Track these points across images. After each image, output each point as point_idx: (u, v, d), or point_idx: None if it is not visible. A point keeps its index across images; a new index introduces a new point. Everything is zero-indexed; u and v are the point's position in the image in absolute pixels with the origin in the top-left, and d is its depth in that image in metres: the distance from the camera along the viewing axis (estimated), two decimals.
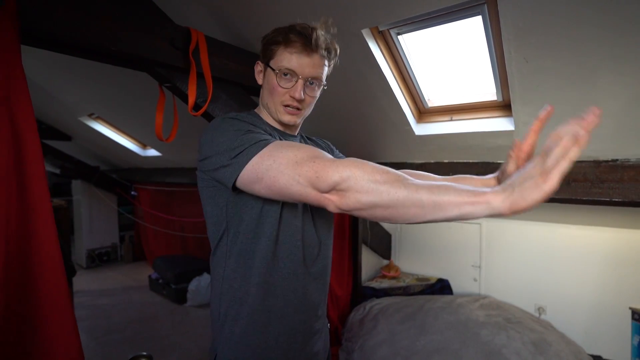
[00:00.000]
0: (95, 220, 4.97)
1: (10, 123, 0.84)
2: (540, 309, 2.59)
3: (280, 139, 0.85)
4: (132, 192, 4.95)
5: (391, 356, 1.95)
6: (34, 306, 0.83)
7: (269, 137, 0.75)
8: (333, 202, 0.63)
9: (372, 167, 0.61)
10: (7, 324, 0.78)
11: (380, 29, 1.44)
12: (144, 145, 3.96)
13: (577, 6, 1.07)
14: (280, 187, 0.66)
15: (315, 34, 0.80)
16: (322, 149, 1.05)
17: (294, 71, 0.81)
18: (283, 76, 0.82)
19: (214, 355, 0.87)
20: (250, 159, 0.69)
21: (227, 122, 0.77)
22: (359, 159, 0.64)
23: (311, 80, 0.84)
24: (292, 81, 0.82)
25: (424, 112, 1.89)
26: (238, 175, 0.70)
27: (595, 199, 1.65)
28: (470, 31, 1.42)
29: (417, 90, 1.75)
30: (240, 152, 0.70)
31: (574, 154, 0.48)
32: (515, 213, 0.51)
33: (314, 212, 0.89)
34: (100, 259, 4.98)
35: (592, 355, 2.30)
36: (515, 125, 1.62)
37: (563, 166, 0.48)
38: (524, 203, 0.49)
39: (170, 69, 1.37)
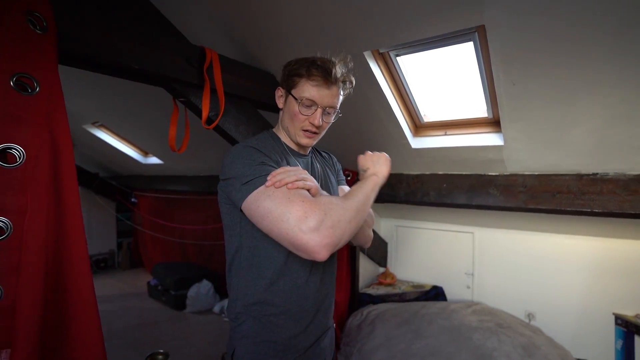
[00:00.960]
0: (93, 226, 4.99)
1: (51, 137, 0.93)
2: (530, 315, 2.69)
3: (293, 160, 0.97)
4: (132, 199, 4.99)
5: (388, 359, 2.02)
6: (68, 301, 0.92)
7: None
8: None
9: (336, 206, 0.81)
10: (46, 315, 0.86)
11: (381, 51, 1.56)
12: (145, 153, 4.03)
13: (558, 37, 1.20)
14: (270, 222, 0.77)
15: (335, 68, 0.90)
16: (331, 164, 1.17)
17: (314, 101, 0.92)
18: (304, 105, 0.92)
19: (232, 350, 0.95)
20: (255, 188, 0.80)
21: (248, 150, 0.88)
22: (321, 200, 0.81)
23: (328, 111, 0.95)
24: (312, 109, 0.93)
25: (420, 127, 2.01)
26: (244, 200, 0.82)
27: (578, 209, 1.78)
28: (463, 54, 1.55)
29: (413, 107, 1.87)
30: (249, 181, 0.81)
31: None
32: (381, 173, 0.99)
33: None
34: (97, 265, 4.99)
35: (578, 359, 2.40)
36: (505, 141, 1.74)
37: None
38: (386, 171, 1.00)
39: (185, 85, 1.47)
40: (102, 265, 5.04)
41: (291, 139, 1.00)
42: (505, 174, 1.98)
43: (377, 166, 0.98)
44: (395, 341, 2.13)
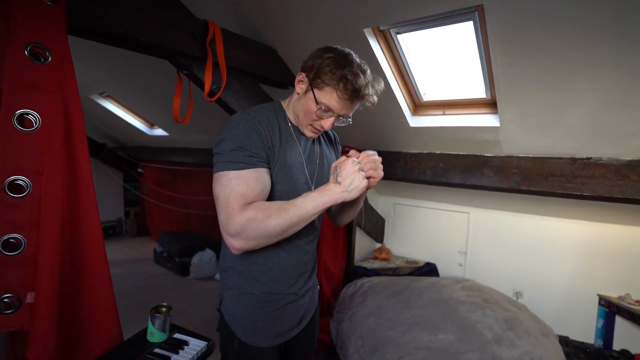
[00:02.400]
0: (102, 195, 5.13)
1: (63, 103, 1.00)
2: (518, 294, 2.80)
3: (291, 143, 1.00)
4: (139, 170, 5.11)
5: (376, 326, 2.16)
6: (81, 252, 1.02)
7: (256, 160, 0.89)
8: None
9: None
10: (63, 264, 0.97)
11: (381, 29, 1.58)
12: (151, 125, 4.10)
13: (555, 19, 1.21)
14: (216, 207, 0.88)
15: (363, 86, 0.89)
16: (333, 141, 1.20)
17: (333, 111, 0.94)
18: (322, 110, 0.94)
19: (220, 300, 1.06)
20: (220, 170, 0.88)
21: (240, 128, 0.91)
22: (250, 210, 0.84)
23: (342, 119, 0.97)
24: (328, 114, 0.94)
25: (419, 106, 2.04)
26: (214, 173, 0.90)
27: (568, 192, 1.83)
28: (463, 34, 1.56)
29: (413, 85, 1.90)
30: (222, 162, 0.88)
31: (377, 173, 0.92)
32: (348, 198, 0.87)
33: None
34: (106, 232, 5.18)
35: (561, 336, 2.52)
36: (501, 122, 1.78)
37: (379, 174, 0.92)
38: (354, 193, 0.88)
39: (189, 58, 1.51)
40: (110, 232, 5.24)
41: (296, 124, 1.02)
42: (500, 155, 2.03)
43: (349, 187, 0.86)
44: (384, 310, 2.26)
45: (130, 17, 1.22)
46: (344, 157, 0.90)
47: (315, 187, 1.02)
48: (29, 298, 0.96)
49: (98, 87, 3.53)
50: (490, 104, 1.81)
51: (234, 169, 0.87)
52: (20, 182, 0.96)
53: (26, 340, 0.96)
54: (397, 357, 1.93)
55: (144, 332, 1.19)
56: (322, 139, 1.15)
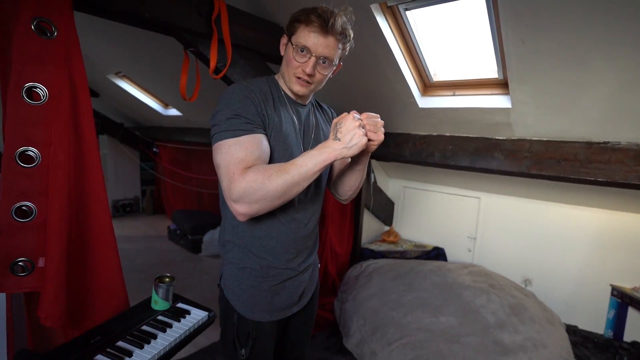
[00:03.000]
0: (119, 173, 5.32)
1: (70, 77, 1.03)
2: (527, 281, 2.77)
3: (284, 112, 1.00)
4: (154, 149, 5.23)
5: (379, 307, 2.19)
6: (88, 218, 1.08)
7: (252, 127, 0.90)
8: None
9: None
10: (71, 230, 1.02)
11: (389, 4, 1.53)
12: (165, 105, 4.16)
13: None
14: (218, 175, 0.90)
15: (333, 18, 0.90)
16: (330, 118, 1.18)
17: (308, 48, 0.93)
18: (299, 52, 0.94)
19: (220, 274, 1.09)
20: (218, 140, 0.89)
21: (236, 95, 0.92)
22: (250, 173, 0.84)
23: (323, 59, 0.95)
24: (306, 57, 0.94)
25: (428, 86, 1.99)
26: (212, 144, 0.91)
27: (582, 177, 1.77)
28: (475, 10, 1.50)
29: (423, 65, 1.85)
30: (220, 132, 0.89)
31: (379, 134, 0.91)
32: (347, 155, 0.86)
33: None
34: (124, 209, 5.37)
35: (569, 325, 2.50)
36: (512, 104, 1.72)
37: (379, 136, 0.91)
38: (354, 150, 0.85)
39: (195, 35, 1.51)
40: (127, 209, 5.43)
41: (286, 86, 1.02)
42: (512, 138, 1.97)
43: (349, 144, 0.84)
44: (388, 292, 2.28)
45: None
46: (344, 114, 0.88)
47: None
48: (40, 262, 1.02)
49: (114, 66, 3.59)
50: (502, 85, 1.75)
51: (232, 137, 0.88)
52: (30, 152, 1.01)
53: (38, 301, 1.03)
54: (398, 337, 1.96)
55: (149, 300, 1.25)
56: (317, 113, 1.14)
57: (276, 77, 1.06)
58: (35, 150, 1.01)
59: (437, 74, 1.92)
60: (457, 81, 1.88)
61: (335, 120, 0.88)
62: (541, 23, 1.28)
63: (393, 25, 1.63)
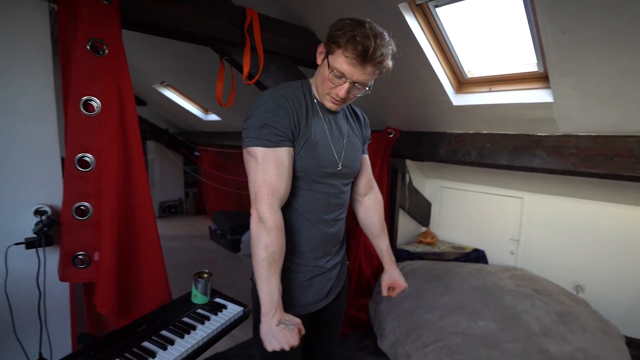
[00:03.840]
0: (165, 176, 5.68)
1: (118, 90, 1.14)
2: (578, 287, 2.57)
3: (316, 118, 1.02)
4: (196, 153, 5.53)
5: (414, 308, 2.15)
6: (134, 217, 1.18)
7: (282, 140, 0.94)
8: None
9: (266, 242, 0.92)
10: (120, 227, 1.13)
11: (418, 2, 1.51)
12: (206, 111, 4.39)
13: None
14: (249, 178, 0.95)
15: (372, 48, 0.87)
16: (362, 125, 1.19)
17: (344, 75, 0.93)
18: (335, 75, 0.94)
19: (252, 274, 1.13)
20: (250, 146, 0.94)
21: (271, 103, 0.96)
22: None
23: (358, 86, 0.96)
24: (341, 81, 0.95)
25: (463, 83, 1.93)
26: (244, 148, 0.96)
27: (637, 175, 1.62)
28: (508, 2, 1.43)
29: (456, 62, 1.80)
30: (251, 137, 0.94)
31: None
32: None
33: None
34: (169, 210, 5.73)
35: (631, 338, 2.26)
36: (554, 98, 1.62)
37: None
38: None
39: (229, 44, 1.60)
40: (172, 210, 5.78)
41: (319, 99, 1.04)
42: (556, 134, 1.85)
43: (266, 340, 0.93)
44: (424, 293, 2.23)
45: (174, 9, 1.33)
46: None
47: (343, 166, 1.05)
48: (96, 256, 1.14)
49: (159, 77, 3.85)
50: (542, 78, 1.66)
51: (260, 146, 0.93)
52: (86, 158, 1.13)
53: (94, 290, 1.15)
54: (433, 340, 1.92)
55: (189, 294, 1.34)
56: (350, 118, 1.15)
57: (310, 81, 1.07)
58: (90, 156, 1.14)
59: (472, 70, 1.86)
60: (492, 76, 1.81)
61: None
62: (581, 10, 1.20)
63: (423, 23, 1.61)
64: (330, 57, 0.93)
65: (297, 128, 0.97)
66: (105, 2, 1.12)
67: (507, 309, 2.05)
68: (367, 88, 0.98)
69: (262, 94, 1.00)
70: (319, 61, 1.00)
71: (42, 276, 1.11)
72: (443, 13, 1.57)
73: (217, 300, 1.34)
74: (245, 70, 1.58)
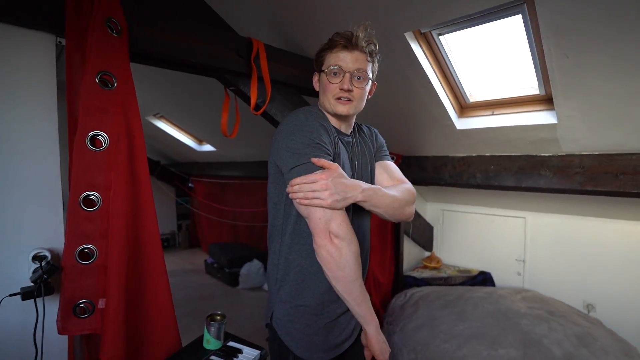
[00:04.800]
0: (157, 209, 5.52)
1: (127, 124, 1.09)
2: (589, 306, 2.52)
3: (337, 142, 1.00)
4: (189, 184, 5.43)
5: (430, 338, 2.05)
6: (143, 260, 1.10)
7: (327, 158, 0.91)
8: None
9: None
10: (128, 272, 1.04)
11: (422, 31, 1.55)
12: (200, 141, 4.35)
13: (617, 2, 1.11)
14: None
15: (354, 34, 0.95)
16: (369, 138, 1.17)
17: (340, 67, 0.96)
18: (332, 74, 0.97)
19: (271, 313, 1.04)
20: (303, 172, 0.88)
21: (310, 124, 0.93)
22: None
23: (358, 75, 0.97)
24: (340, 76, 0.96)
25: (465, 107, 1.96)
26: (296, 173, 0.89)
27: None
28: (511, 28, 1.48)
29: (458, 87, 1.83)
30: (298, 165, 0.88)
31: None
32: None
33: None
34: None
35: None
36: (558, 119, 1.64)
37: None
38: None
39: (235, 75, 1.58)
40: (164, 244, 5.58)
41: (329, 113, 1.02)
42: (559, 154, 1.87)
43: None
44: (438, 322, 2.15)
45: (183, 42, 1.31)
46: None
47: None
48: (101, 303, 1.05)
49: (152, 109, 3.83)
50: (544, 100, 1.69)
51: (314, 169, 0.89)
52: (92, 197, 1.06)
53: (98, 343, 1.04)
54: None
55: (201, 339, 1.24)
56: (359, 137, 1.14)
57: (320, 109, 1.06)
58: (96, 194, 1.06)
59: (473, 94, 1.89)
60: (494, 100, 1.84)
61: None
62: (586, 36, 1.24)
63: (427, 51, 1.64)
64: (323, 66, 1.00)
65: (333, 148, 0.96)
66: (114, 34, 1.09)
67: (525, 334, 1.98)
68: (368, 77, 1.00)
69: (293, 114, 0.97)
70: (317, 87, 1.06)
71: (40, 330, 1.00)
72: (446, 41, 1.61)
73: (232, 344, 1.24)
74: (253, 100, 1.56)
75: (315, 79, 1.06)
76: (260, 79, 1.58)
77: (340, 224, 0.88)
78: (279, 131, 0.96)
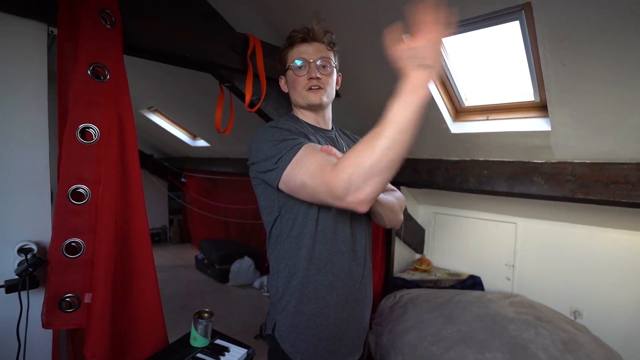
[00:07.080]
0: (148, 203, 5.37)
1: (118, 118, 1.07)
2: (576, 313, 2.56)
3: (317, 138, 1.00)
4: (182, 179, 5.38)
5: (417, 341, 2.06)
6: (131, 255, 1.08)
7: (302, 139, 0.89)
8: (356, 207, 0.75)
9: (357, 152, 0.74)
10: (116, 266, 1.03)
11: None
12: (194, 136, 4.31)
13: (613, 12, 1.12)
14: (309, 194, 0.83)
15: (310, 28, 1.00)
16: (352, 138, 1.19)
17: (304, 59, 1.00)
18: (297, 68, 1.01)
19: (273, 323, 1.01)
20: (287, 164, 0.84)
21: (269, 132, 0.93)
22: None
23: (323, 64, 1.01)
24: (305, 68, 1.00)
25: (460, 111, 1.96)
26: (280, 178, 0.86)
27: (636, 201, 1.65)
28: (508, 34, 1.48)
29: (454, 90, 1.83)
30: (280, 158, 0.86)
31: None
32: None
33: None
34: (152, 238, 5.48)
35: None
36: (552, 126, 1.66)
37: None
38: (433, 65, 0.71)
39: (230, 71, 1.57)
40: (155, 239, 5.53)
41: (301, 107, 1.06)
42: (552, 161, 1.89)
43: (436, 57, 0.69)
44: (426, 324, 2.16)
45: (178, 35, 1.30)
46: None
47: None
48: (87, 298, 1.03)
49: (146, 102, 3.78)
50: (539, 107, 1.70)
51: (297, 150, 0.86)
52: (81, 190, 1.04)
53: (83, 338, 1.03)
54: None
55: (188, 336, 1.23)
56: (343, 137, 1.16)
57: (294, 112, 1.11)
58: (85, 187, 1.05)
59: (469, 98, 1.90)
60: (490, 105, 1.85)
61: (403, 48, 0.72)
62: (582, 45, 1.25)
63: None
64: (287, 64, 1.04)
65: (305, 137, 0.96)
66: (108, 26, 1.08)
67: (512, 338, 2.00)
68: (333, 65, 1.04)
69: (260, 131, 0.96)
70: (285, 89, 1.10)
71: (24, 324, 0.98)
72: (442, 44, 1.60)
73: (219, 342, 1.23)
74: (248, 97, 1.55)
75: (282, 82, 1.10)
76: (256, 76, 1.57)
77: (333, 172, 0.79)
78: (250, 149, 0.98)
